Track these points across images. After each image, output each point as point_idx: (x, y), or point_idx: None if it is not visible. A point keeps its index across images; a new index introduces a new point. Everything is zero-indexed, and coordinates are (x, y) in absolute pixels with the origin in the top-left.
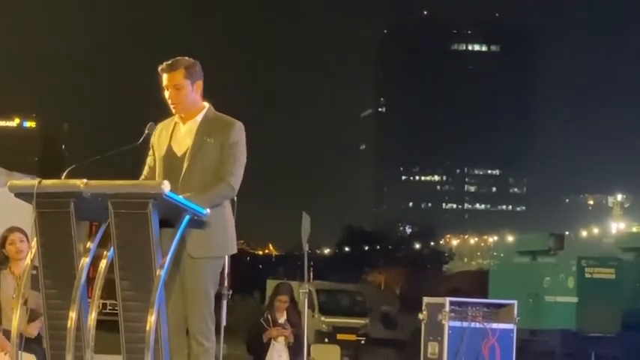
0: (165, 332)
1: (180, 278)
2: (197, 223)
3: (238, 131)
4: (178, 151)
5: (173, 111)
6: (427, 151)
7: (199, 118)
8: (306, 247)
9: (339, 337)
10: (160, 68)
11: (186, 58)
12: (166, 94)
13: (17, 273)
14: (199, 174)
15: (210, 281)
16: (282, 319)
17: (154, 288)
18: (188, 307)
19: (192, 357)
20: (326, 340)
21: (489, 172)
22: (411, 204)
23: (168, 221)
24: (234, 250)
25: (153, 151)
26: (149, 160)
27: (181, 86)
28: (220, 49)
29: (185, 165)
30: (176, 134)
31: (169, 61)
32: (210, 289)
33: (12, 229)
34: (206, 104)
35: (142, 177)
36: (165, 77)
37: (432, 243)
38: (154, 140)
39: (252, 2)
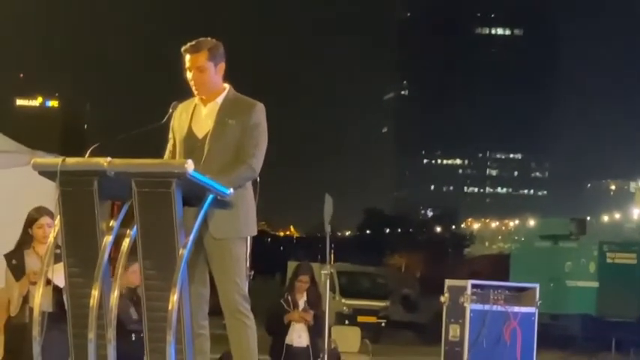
0: (187, 311)
1: (205, 261)
2: (220, 203)
3: (259, 112)
4: (199, 133)
5: (195, 93)
6: (449, 134)
7: (220, 99)
8: (328, 229)
9: (360, 319)
10: (182, 49)
11: (210, 39)
12: (189, 75)
13: (41, 253)
14: (221, 156)
15: (238, 259)
16: (302, 300)
17: (177, 267)
18: (221, 286)
19: (233, 332)
20: (346, 322)
21: (511, 156)
22: (432, 187)
23: (191, 200)
24: (255, 232)
25: (173, 134)
26: (169, 144)
27: (204, 68)
28: (242, 30)
29: (206, 147)
30: (196, 116)
31: (193, 42)
32: (241, 266)
33: (41, 212)
34: (226, 86)
35: None
36: (188, 58)
37: (454, 226)
38: (174, 123)
39: None
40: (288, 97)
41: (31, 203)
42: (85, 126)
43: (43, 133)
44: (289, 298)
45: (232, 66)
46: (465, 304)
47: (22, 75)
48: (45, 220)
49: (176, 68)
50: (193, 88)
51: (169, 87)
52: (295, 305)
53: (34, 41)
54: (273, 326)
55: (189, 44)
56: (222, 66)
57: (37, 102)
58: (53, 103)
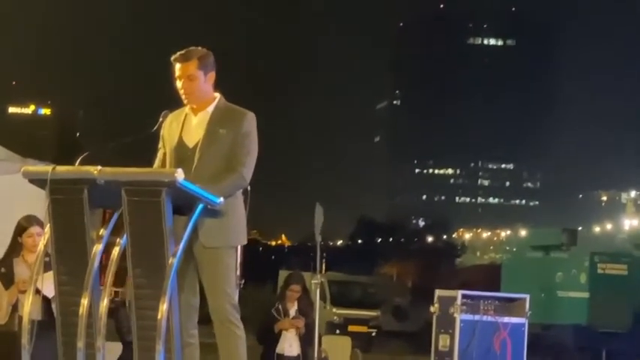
0: (176, 320)
1: (195, 270)
2: (210, 212)
3: (250, 121)
4: (190, 142)
5: (185, 102)
6: (441, 144)
7: (210, 109)
8: (318, 238)
9: (351, 328)
10: (172, 58)
11: (200, 48)
12: (178, 84)
13: (30, 261)
14: (212, 165)
15: (228, 268)
16: (294, 309)
17: (166, 276)
18: (211, 295)
19: (223, 341)
20: (337, 331)
21: (503, 166)
22: (424, 197)
23: (181, 209)
24: (245, 241)
25: (163, 143)
26: (160, 153)
27: (194, 77)
28: (235, 39)
29: (197, 156)
30: (187, 125)
31: (182, 51)
32: (231, 275)
33: (31, 221)
34: (217, 95)
35: None
36: (178, 67)
37: (445, 236)
38: (164, 132)
39: None
40: (280, 105)
41: (22, 211)
42: (78, 134)
43: (36, 140)
44: (280, 307)
45: (226, 75)
46: (455, 315)
47: (14, 82)
48: (35, 229)
49: (168, 76)
50: (183, 97)
51: (162, 95)
52: (286, 314)
53: (27, 49)
54: (264, 335)
55: (178, 53)
56: (212, 75)
57: (29, 110)
58: (46, 111)
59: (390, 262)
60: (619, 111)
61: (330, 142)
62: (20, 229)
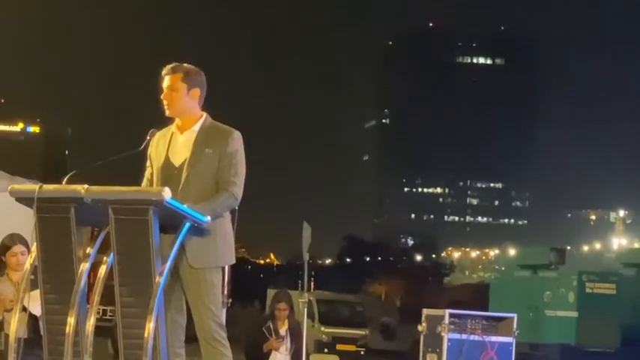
0: (163, 339)
1: (182, 288)
2: (197, 230)
3: (236, 140)
4: (176, 161)
5: (166, 113)
6: (430, 163)
7: (197, 127)
8: (306, 257)
9: (339, 347)
10: (163, 72)
11: (191, 65)
12: (162, 95)
13: (15, 280)
14: (198, 184)
15: (214, 287)
16: (284, 328)
17: (153, 294)
18: (197, 314)
19: (209, 359)
20: (325, 350)
21: (492, 185)
22: (413, 216)
23: (167, 228)
24: (233, 261)
25: (150, 162)
26: (147, 172)
27: (176, 88)
28: (224, 58)
29: (184, 175)
30: (173, 144)
31: (173, 65)
32: (217, 294)
33: (14, 240)
34: (203, 114)
35: None
36: (165, 79)
37: (434, 255)
38: (151, 151)
39: (258, 12)
40: (269, 124)
41: (9, 230)
42: (67, 151)
43: (24, 158)
44: (271, 326)
45: (215, 97)
46: (443, 334)
47: (3, 100)
48: (18, 247)
49: (157, 94)
50: (165, 107)
51: (150, 113)
52: (277, 333)
53: (15, 66)
54: (254, 354)
55: (169, 66)
56: (196, 91)
57: (18, 127)
58: (34, 129)
59: (378, 280)
60: (608, 130)
61: (319, 161)
62: (3, 249)
